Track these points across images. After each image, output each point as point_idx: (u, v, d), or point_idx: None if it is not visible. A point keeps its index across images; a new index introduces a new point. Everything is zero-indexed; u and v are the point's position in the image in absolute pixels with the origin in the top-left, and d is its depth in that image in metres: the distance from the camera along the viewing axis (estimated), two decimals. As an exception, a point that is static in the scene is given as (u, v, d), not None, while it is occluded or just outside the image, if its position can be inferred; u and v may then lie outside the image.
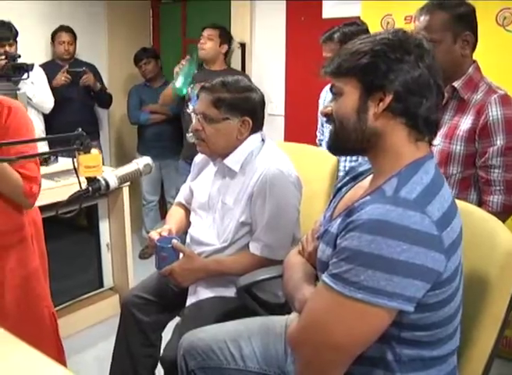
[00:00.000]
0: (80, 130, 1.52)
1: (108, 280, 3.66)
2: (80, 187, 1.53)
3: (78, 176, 1.51)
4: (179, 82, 3.90)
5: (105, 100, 4.49)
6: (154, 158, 2.00)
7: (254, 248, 2.06)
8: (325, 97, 3.09)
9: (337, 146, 1.41)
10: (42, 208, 2.36)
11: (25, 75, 3.47)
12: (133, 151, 4.77)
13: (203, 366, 1.71)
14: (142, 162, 1.68)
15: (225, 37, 4.05)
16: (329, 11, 3.85)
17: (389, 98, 1.25)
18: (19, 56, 3.60)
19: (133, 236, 3.65)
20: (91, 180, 1.53)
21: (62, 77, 4.07)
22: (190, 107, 3.87)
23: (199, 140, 2.12)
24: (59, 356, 2.27)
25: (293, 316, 1.68)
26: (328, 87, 3.05)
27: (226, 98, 2.04)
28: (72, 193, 1.56)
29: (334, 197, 1.58)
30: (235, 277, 2.05)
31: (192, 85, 3.93)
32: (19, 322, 2.01)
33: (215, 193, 2.18)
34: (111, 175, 1.57)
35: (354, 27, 2.81)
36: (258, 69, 4.30)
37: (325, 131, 3.06)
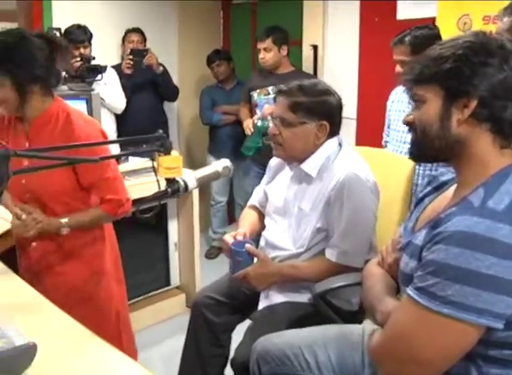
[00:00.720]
0: (161, 131, 1.52)
1: (174, 279, 3.70)
2: (159, 188, 1.53)
3: (157, 177, 1.51)
4: (248, 142, 3.85)
5: (171, 90, 4.48)
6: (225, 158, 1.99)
7: (330, 254, 2.02)
8: (393, 99, 3.04)
9: (419, 154, 1.37)
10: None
11: (99, 76, 3.56)
12: (202, 152, 4.80)
13: (276, 371, 1.69)
14: (221, 164, 1.67)
15: (281, 38, 3.91)
16: (404, 12, 3.75)
17: (473, 104, 1.19)
18: (94, 58, 3.70)
19: (200, 236, 3.66)
20: (170, 181, 1.53)
21: (125, 62, 4.13)
22: (258, 113, 3.86)
23: (276, 144, 2.11)
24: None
25: (371, 326, 1.65)
26: (397, 89, 3.02)
27: (303, 101, 2.02)
28: (152, 194, 1.56)
29: (415, 207, 1.53)
30: (308, 283, 2.04)
31: (258, 90, 3.91)
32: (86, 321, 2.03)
33: (291, 198, 2.15)
34: (190, 177, 1.57)
35: (426, 31, 2.75)
36: (330, 72, 4.23)
37: (390, 134, 3.01)
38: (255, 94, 3.93)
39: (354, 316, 1.99)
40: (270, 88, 3.85)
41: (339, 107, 2.10)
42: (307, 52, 4.34)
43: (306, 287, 2.08)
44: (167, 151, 1.46)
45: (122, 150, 2.94)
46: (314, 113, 2.03)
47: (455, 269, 1.10)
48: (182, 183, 1.54)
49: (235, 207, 4.73)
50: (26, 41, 1.84)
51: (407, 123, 1.34)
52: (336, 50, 4.24)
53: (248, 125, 3.83)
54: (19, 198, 2.02)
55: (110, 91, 3.94)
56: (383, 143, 3.13)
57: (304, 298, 2.08)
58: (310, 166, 2.08)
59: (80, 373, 1.35)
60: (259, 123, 3.75)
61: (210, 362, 2.28)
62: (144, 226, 3.42)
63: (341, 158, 2.07)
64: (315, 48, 4.28)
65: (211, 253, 4.66)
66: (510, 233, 1.10)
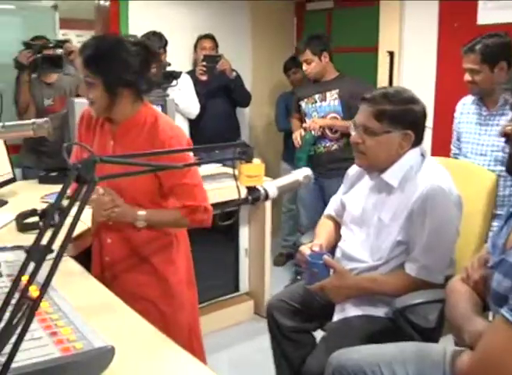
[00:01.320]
0: (243, 140, 1.51)
1: (243, 285, 3.70)
2: (239, 196, 1.52)
3: (237, 185, 1.50)
4: (298, 153, 3.81)
5: (243, 95, 4.48)
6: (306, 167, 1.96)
7: (410, 269, 1.96)
8: (462, 111, 2.96)
9: None
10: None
11: (174, 82, 3.61)
12: (275, 158, 4.78)
13: (353, 387, 1.65)
14: (302, 173, 1.64)
15: (320, 46, 3.77)
16: (485, 16, 3.64)
17: None
18: (169, 64, 3.76)
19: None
20: (251, 189, 1.51)
21: (199, 68, 4.16)
22: (308, 121, 3.83)
23: (358, 153, 2.06)
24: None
25: (452, 346, 1.58)
26: (464, 100, 2.96)
27: (388, 110, 1.97)
28: (232, 201, 1.55)
29: (506, 222, 1.45)
30: (385, 297, 2.00)
31: (306, 99, 3.88)
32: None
33: (369, 208, 2.11)
34: (271, 185, 1.55)
35: (496, 39, 2.68)
36: (407, 79, 4.15)
37: (463, 146, 2.93)
38: (303, 104, 3.90)
39: (431, 334, 1.92)
40: (316, 96, 3.83)
41: (423, 116, 2.03)
42: (382, 59, 4.27)
43: (382, 301, 2.03)
44: (249, 159, 1.44)
45: (195, 156, 2.96)
46: (399, 122, 1.97)
47: None
48: (263, 191, 1.52)
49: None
50: (120, 46, 1.90)
51: (505, 134, 1.28)
52: (412, 56, 4.16)
53: (296, 137, 3.79)
54: None
55: (184, 97, 3.99)
56: (452, 155, 3.05)
57: (380, 312, 2.03)
58: (391, 175, 2.03)
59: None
60: (307, 136, 3.72)
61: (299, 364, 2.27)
62: (215, 231, 3.41)
63: (425, 169, 2.01)
64: (391, 54, 4.21)
65: (279, 260, 4.65)
66: None
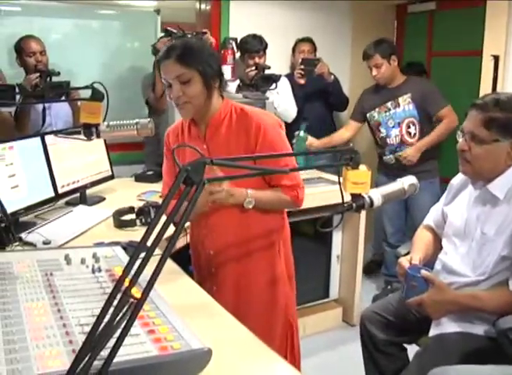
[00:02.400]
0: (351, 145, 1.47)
1: (333, 292, 3.66)
2: (343, 202, 1.48)
3: (342, 192, 1.46)
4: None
5: (341, 99, 4.44)
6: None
7: None
8: None
9: None
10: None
11: (273, 85, 3.61)
12: (372, 166, 4.67)
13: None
14: (407, 181, 1.58)
15: (388, 50, 3.72)
16: None
17: None
18: (269, 67, 3.77)
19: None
20: (356, 197, 1.47)
21: (297, 71, 4.13)
22: (383, 131, 3.79)
23: (463, 160, 1.97)
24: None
25: None
26: None
27: (499, 117, 1.86)
28: (333, 207, 1.52)
29: None
30: (484, 314, 1.91)
31: (377, 109, 3.81)
32: (258, 324, 2.03)
33: (473, 220, 2.02)
34: (376, 193, 1.50)
35: None
36: (512, 85, 3.95)
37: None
38: (375, 114, 3.84)
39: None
40: (389, 104, 3.76)
41: None
42: (486, 63, 4.09)
43: (482, 318, 1.94)
44: (356, 166, 1.40)
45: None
46: (509, 131, 1.87)
47: None
48: (368, 199, 1.48)
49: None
50: (203, 41, 2.10)
51: None
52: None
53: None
54: None
55: (282, 100, 3.98)
56: None
57: (479, 329, 1.95)
58: (498, 187, 1.93)
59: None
60: (301, 134, 3.76)
61: None
62: (309, 237, 3.41)
63: None
64: (496, 58, 4.02)
65: (369, 267, 4.55)
66: None
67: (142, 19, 4.17)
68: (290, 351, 2.29)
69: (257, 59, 3.95)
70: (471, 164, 1.95)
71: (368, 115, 3.90)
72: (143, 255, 0.99)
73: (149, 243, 1.01)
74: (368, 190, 1.45)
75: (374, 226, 4.57)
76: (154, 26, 4.13)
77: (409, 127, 3.72)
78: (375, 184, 3.05)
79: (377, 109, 3.83)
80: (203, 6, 4.35)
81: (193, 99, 1.93)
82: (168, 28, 3.51)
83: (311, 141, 3.78)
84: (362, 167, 1.42)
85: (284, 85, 4.02)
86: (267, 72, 3.74)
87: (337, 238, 3.54)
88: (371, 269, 4.53)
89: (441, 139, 3.72)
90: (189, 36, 3.51)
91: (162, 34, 3.67)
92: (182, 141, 2.13)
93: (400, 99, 3.73)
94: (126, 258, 1.82)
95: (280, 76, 3.69)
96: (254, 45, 3.98)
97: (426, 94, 3.69)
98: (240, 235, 2.11)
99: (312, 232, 3.42)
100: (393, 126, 3.76)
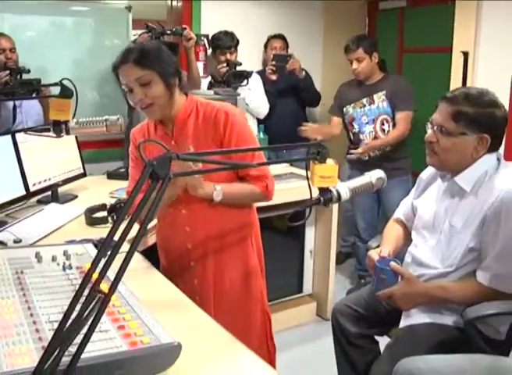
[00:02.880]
0: (323, 141, 1.49)
1: (307, 287, 3.68)
2: (311, 197, 1.50)
3: (310, 186, 1.48)
4: None
5: (313, 95, 4.45)
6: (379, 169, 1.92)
7: (482, 278, 1.88)
8: None
9: None
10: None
11: (244, 81, 3.62)
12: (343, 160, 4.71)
13: (419, 397, 1.60)
14: (375, 175, 1.61)
15: (371, 46, 3.75)
16: None
17: None
18: (240, 64, 3.78)
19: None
20: (324, 191, 1.49)
21: (268, 67, 4.15)
22: (355, 126, 3.82)
23: (431, 151, 2.00)
24: (268, 356, 2.28)
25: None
26: None
27: (468, 111, 1.88)
28: (304, 202, 1.54)
29: None
30: (453, 304, 1.94)
31: (353, 104, 3.83)
32: (233, 318, 2.05)
33: (441, 213, 2.04)
34: (343, 186, 1.52)
35: None
36: (481, 81, 4.01)
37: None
38: (350, 109, 3.85)
39: (501, 346, 1.85)
40: (364, 100, 3.79)
41: (504, 121, 1.94)
42: (456, 59, 4.15)
43: (450, 309, 1.98)
44: (323, 160, 1.42)
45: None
46: (476, 125, 1.89)
47: None
48: (335, 193, 1.50)
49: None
50: (158, 43, 2.13)
51: None
52: (488, 57, 4.01)
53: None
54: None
55: (254, 96, 4.00)
56: None
57: (448, 320, 1.98)
58: (464, 179, 1.96)
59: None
60: None
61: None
62: (281, 232, 3.42)
63: (501, 174, 1.92)
64: (466, 54, 4.08)
65: (338, 258, 4.56)
66: None
67: (114, 16, 4.13)
68: (270, 338, 2.32)
69: (228, 56, 3.96)
70: (438, 156, 1.97)
71: (344, 109, 3.91)
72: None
73: (116, 238, 1.01)
74: (335, 183, 1.47)
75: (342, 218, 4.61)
76: (126, 23, 4.11)
77: (383, 124, 3.75)
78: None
79: (352, 104, 3.84)
80: (174, 3, 4.34)
81: (156, 100, 1.93)
82: (149, 24, 3.52)
83: None
84: (329, 161, 1.44)
85: (256, 81, 4.03)
86: (238, 68, 3.74)
87: (310, 233, 3.56)
88: (340, 260, 4.53)
89: (388, 145, 3.74)
90: (168, 32, 3.53)
91: (134, 32, 3.67)
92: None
93: (375, 96, 3.75)
94: (97, 256, 1.82)
95: (251, 72, 3.70)
96: (225, 42, 3.98)
97: (397, 91, 3.71)
98: (214, 229, 2.11)
99: (285, 227, 3.43)
100: (367, 123, 3.78)
